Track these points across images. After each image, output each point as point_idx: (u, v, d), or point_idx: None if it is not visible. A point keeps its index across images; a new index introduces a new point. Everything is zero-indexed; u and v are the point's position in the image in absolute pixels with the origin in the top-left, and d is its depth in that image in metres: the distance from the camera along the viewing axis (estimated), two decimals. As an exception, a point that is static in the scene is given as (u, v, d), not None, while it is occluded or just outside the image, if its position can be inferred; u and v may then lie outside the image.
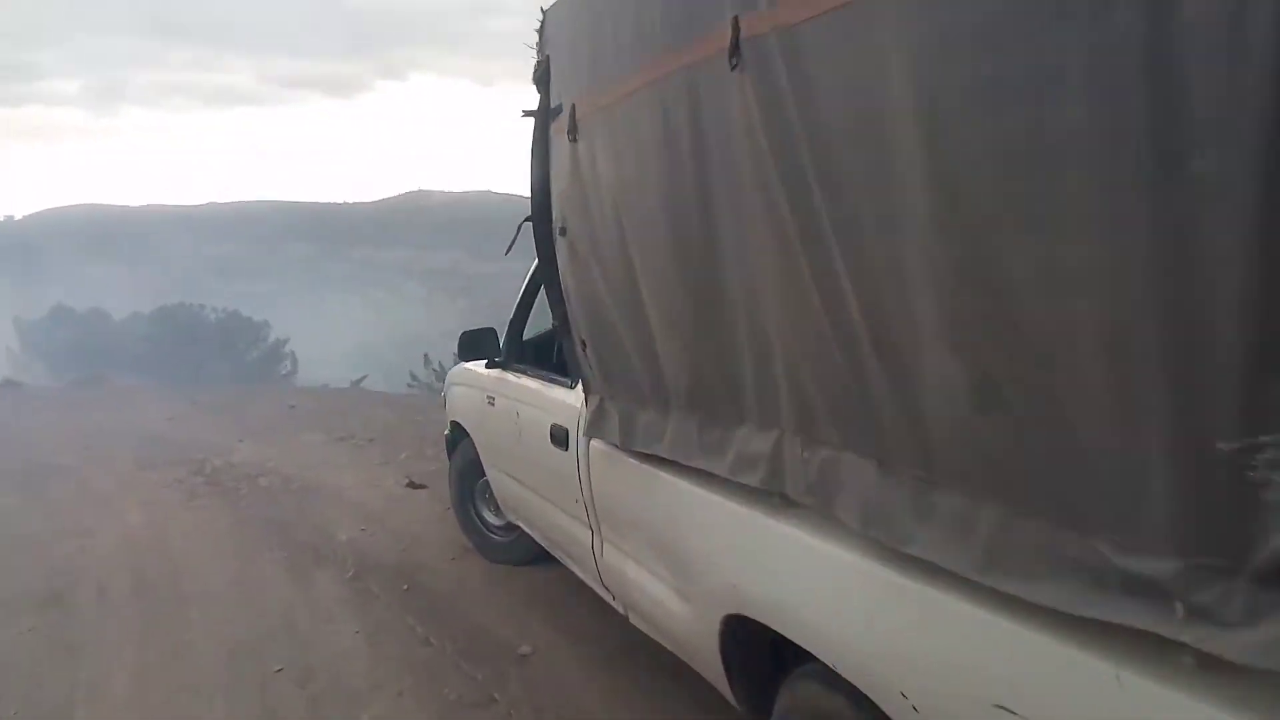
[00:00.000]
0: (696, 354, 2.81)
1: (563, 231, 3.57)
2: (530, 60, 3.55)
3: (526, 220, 3.90)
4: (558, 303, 3.81)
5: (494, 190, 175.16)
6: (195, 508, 8.30)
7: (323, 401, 12.56)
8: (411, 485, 8.24)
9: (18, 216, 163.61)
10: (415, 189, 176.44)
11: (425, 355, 25.83)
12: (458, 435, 6.36)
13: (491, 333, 5.54)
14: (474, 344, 5.61)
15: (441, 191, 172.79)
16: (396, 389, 32.87)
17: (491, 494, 6.10)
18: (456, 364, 6.78)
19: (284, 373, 30.03)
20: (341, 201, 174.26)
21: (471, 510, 6.40)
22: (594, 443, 3.83)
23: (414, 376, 25.48)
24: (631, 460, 3.42)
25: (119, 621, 5.66)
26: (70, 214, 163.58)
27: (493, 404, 5.36)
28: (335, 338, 79.49)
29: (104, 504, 8.67)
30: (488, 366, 5.49)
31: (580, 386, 3.92)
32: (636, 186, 2.84)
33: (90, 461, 10.37)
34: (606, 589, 4.15)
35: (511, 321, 5.32)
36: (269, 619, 5.53)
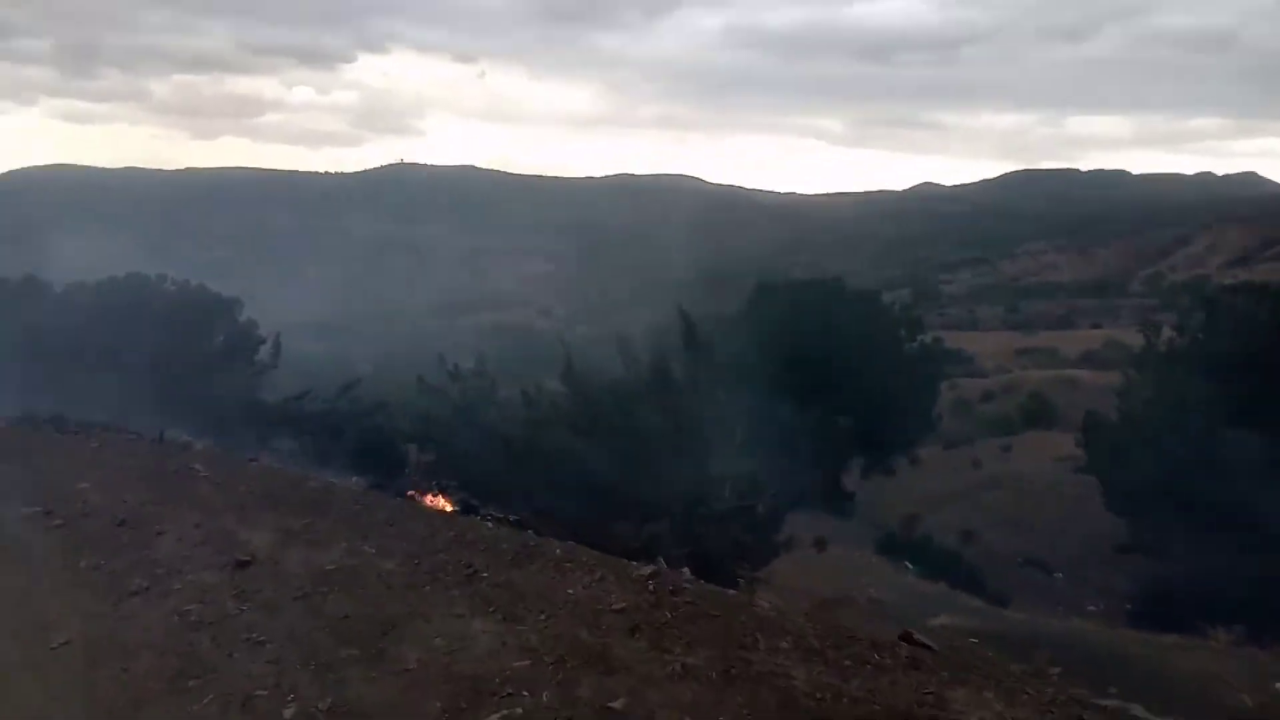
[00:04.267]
0: None
1: None
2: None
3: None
4: None
5: (476, 165, 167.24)
6: None
7: (322, 513, 5.87)
8: None
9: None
10: (398, 161, 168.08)
11: (440, 355, 19.03)
12: None
13: None
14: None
15: (425, 165, 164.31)
16: (394, 387, 26.07)
17: None
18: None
19: (259, 366, 23.00)
20: (323, 172, 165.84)
21: None
22: None
23: (423, 380, 18.78)
24: None
25: None
26: (45, 174, 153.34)
27: None
28: (314, 310, 72.30)
29: None
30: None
31: None
32: None
33: None
34: None
35: None
36: None
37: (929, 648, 3.47)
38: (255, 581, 4.08)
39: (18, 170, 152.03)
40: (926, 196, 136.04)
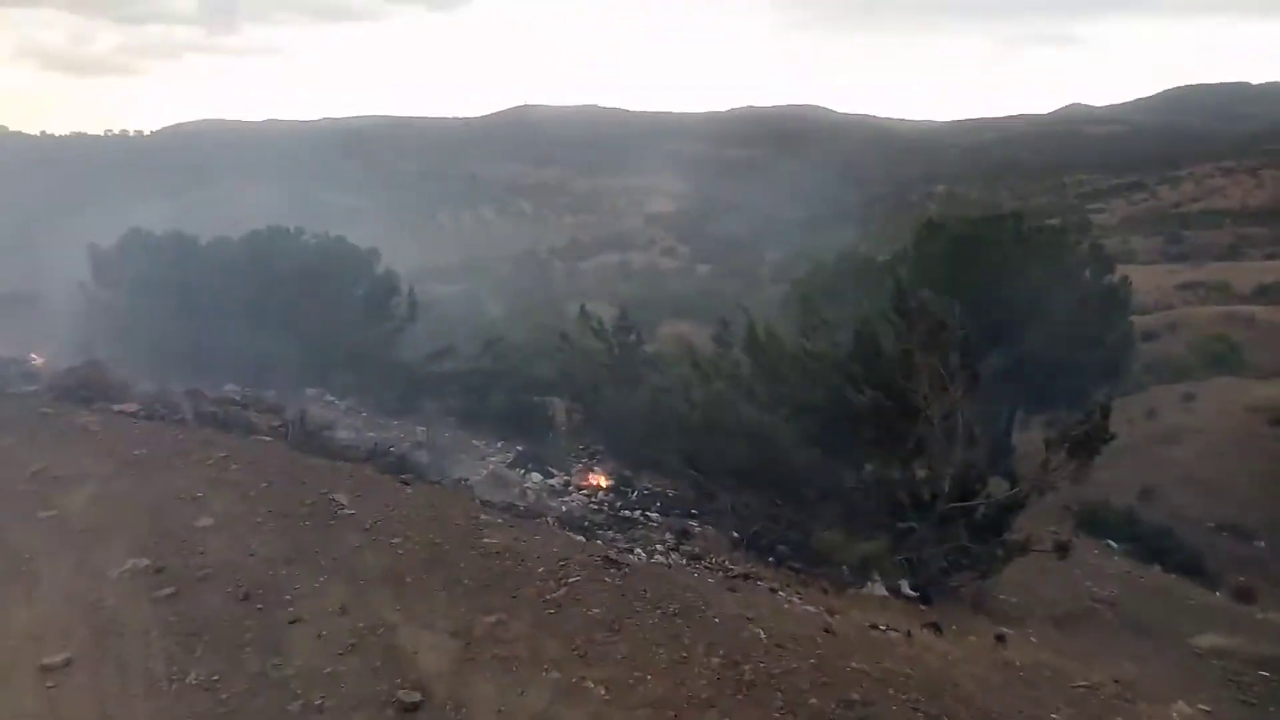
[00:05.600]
0: None
1: None
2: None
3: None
4: None
5: (599, 105, 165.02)
6: None
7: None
8: None
9: (147, 132, 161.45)
10: (520, 104, 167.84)
11: (583, 307, 17.64)
12: None
13: None
14: None
15: (546, 106, 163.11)
16: (531, 335, 25.06)
17: None
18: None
19: (398, 321, 22.25)
20: (449, 117, 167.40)
21: None
22: None
23: (565, 338, 17.47)
24: None
25: None
26: (196, 129, 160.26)
27: None
28: (444, 255, 72.71)
29: None
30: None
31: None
32: None
33: None
34: None
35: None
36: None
37: None
38: (430, 746, 2.63)
39: (170, 126, 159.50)
40: (1075, 119, 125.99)
